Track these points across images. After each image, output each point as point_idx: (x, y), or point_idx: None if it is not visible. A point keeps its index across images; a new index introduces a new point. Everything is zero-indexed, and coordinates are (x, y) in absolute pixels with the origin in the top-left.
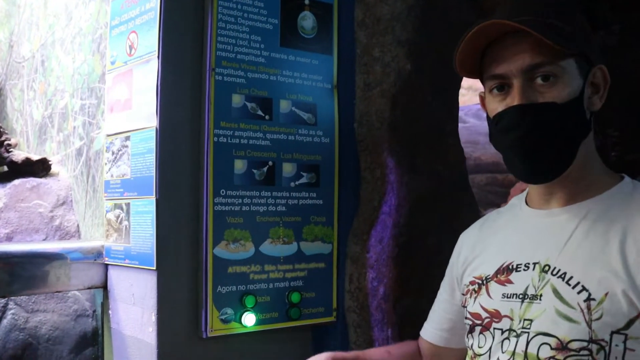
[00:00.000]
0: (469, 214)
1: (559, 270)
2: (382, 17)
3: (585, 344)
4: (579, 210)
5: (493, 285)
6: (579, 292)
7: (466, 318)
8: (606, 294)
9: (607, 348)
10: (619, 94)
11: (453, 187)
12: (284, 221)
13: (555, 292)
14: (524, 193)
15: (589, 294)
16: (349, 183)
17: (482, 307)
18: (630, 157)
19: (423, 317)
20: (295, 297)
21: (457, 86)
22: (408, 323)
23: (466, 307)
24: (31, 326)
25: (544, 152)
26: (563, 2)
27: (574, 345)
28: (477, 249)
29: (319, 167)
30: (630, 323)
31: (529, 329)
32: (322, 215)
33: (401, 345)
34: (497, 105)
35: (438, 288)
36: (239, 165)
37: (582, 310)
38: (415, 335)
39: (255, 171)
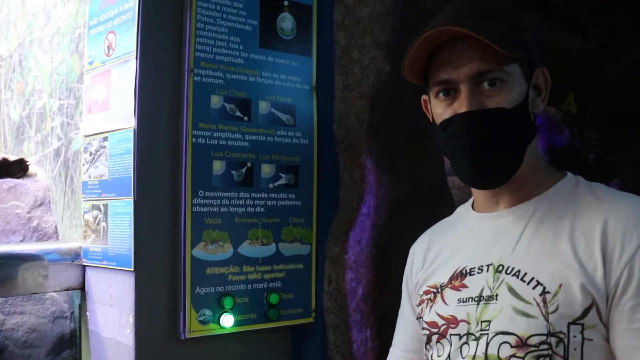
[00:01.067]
0: (448, 215)
1: (513, 269)
2: (361, 19)
3: (544, 337)
4: (526, 210)
5: (448, 291)
6: (534, 287)
7: (423, 328)
8: (560, 286)
9: (565, 340)
10: (598, 96)
11: (432, 189)
12: (263, 222)
13: (511, 290)
14: (470, 200)
15: (544, 288)
16: (327, 184)
17: (437, 314)
18: (609, 159)
19: None
20: (273, 298)
21: None
22: (386, 324)
23: (422, 317)
24: (8, 328)
25: (493, 158)
26: (507, 6)
27: (534, 340)
28: (428, 259)
29: (298, 169)
30: (585, 312)
31: (488, 330)
32: (301, 217)
33: None
34: (443, 110)
35: None
36: (218, 166)
37: (538, 305)
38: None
39: (233, 172)
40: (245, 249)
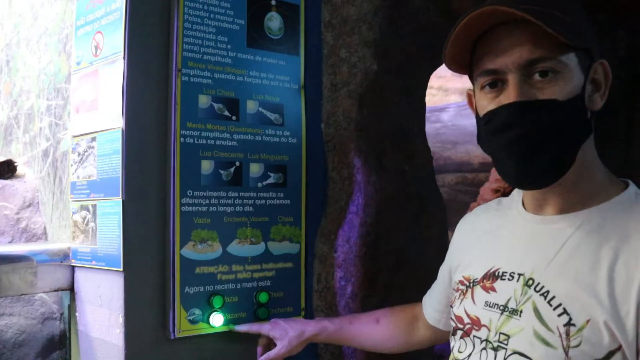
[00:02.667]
0: (436, 213)
1: (542, 287)
2: (348, 18)
3: None
4: (574, 221)
5: (478, 290)
6: (559, 315)
7: (451, 319)
8: (587, 321)
9: None
10: None
11: (420, 187)
12: (252, 221)
13: (536, 311)
14: (520, 193)
15: (570, 319)
16: (316, 183)
17: (465, 311)
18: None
19: None
20: (263, 297)
21: (424, 86)
22: None
23: (452, 307)
24: None
25: (541, 155)
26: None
27: None
28: (469, 242)
29: (287, 168)
30: (610, 355)
31: (507, 345)
32: (290, 215)
33: (392, 312)
34: (488, 103)
35: (405, 286)
36: (206, 166)
37: (560, 335)
38: None
39: (222, 172)
40: (235, 248)
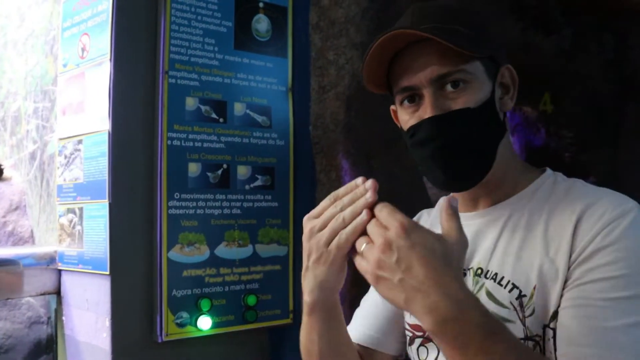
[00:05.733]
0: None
1: (491, 272)
2: (336, 20)
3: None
4: (504, 210)
5: None
6: (510, 291)
7: (406, 329)
8: (534, 288)
9: (541, 343)
10: (572, 95)
11: (409, 189)
12: (239, 224)
13: (489, 295)
14: (449, 196)
15: (520, 291)
16: (304, 185)
17: None
18: (584, 157)
19: None
20: (251, 300)
21: None
22: None
23: (404, 318)
24: None
25: (463, 160)
26: (463, 7)
27: None
28: None
29: (274, 170)
30: (555, 315)
31: None
32: (278, 218)
33: None
34: (409, 117)
35: None
36: (193, 169)
37: (515, 309)
38: None
39: (209, 174)
40: (222, 250)
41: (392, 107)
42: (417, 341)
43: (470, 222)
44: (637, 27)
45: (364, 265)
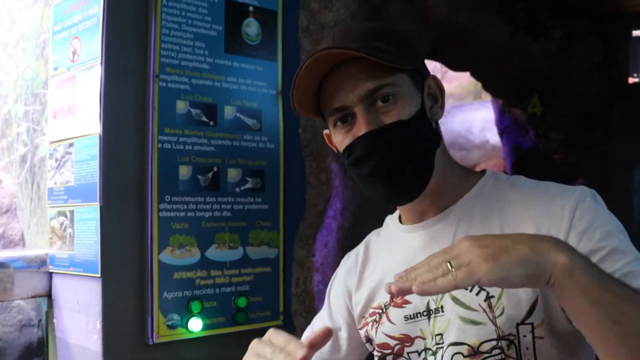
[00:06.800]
0: None
1: None
2: (325, 24)
3: (494, 342)
4: (453, 215)
5: (392, 310)
6: (477, 293)
7: (374, 350)
8: (502, 288)
9: (516, 341)
10: (561, 98)
11: None
12: (230, 226)
13: (455, 300)
14: (396, 213)
15: (487, 293)
16: (294, 188)
17: (386, 335)
18: (573, 158)
19: None
20: (242, 302)
21: None
22: None
23: (371, 340)
24: None
25: (403, 173)
26: (385, 28)
27: (485, 347)
28: (365, 281)
29: (264, 173)
30: (531, 309)
31: (442, 343)
32: (268, 220)
33: None
34: (344, 138)
35: None
36: (184, 171)
37: (484, 310)
38: None
39: (200, 177)
40: (213, 253)
41: (326, 131)
42: (389, 358)
43: (420, 232)
44: (624, 31)
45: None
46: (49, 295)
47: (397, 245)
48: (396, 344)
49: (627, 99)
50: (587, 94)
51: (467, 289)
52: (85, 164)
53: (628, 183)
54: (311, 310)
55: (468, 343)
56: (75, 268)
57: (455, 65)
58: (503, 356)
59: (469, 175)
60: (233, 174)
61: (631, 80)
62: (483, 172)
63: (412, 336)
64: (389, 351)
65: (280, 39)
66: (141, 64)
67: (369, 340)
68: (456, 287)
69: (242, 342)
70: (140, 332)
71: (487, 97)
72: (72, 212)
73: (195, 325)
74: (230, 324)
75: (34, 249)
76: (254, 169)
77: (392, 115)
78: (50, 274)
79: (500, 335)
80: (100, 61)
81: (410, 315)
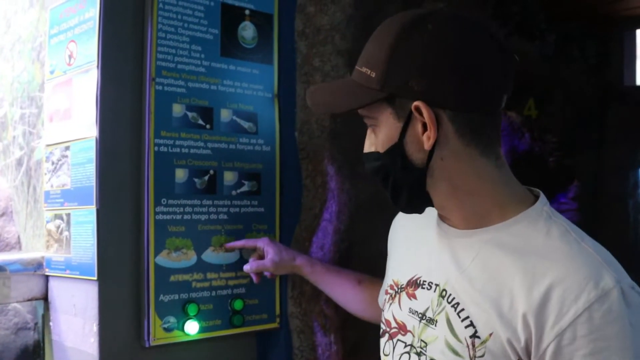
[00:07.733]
0: None
1: (454, 299)
2: (321, 28)
3: None
4: (483, 235)
5: (404, 296)
6: (466, 327)
7: (381, 322)
8: (490, 334)
9: None
10: (556, 101)
11: None
12: (226, 229)
13: (448, 323)
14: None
15: (475, 331)
16: (290, 191)
17: (393, 316)
18: (568, 161)
19: (365, 321)
20: (238, 304)
21: None
22: (350, 327)
23: (383, 310)
24: None
25: (395, 194)
26: (374, 45)
27: None
28: (398, 243)
29: (260, 175)
30: None
31: (425, 351)
32: (264, 223)
33: (372, 281)
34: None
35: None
36: (180, 174)
37: (467, 346)
38: (358, 340)
39: (196, 180)
40: (209, 255)
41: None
42: (386, 335)
43: (448, 236)
44: (619, 34)
45: None
46: (45, 298)
47: (429, 237)
48: (394, 327)
49: (622, 102)
50: (583, 96)
51: (459, 317)
52: (81, 167)
53: (623, 186)
54: (307, 313)
55: None
56: (72, 271)
57: None
58: None
59: (518, 200)
60: (229, 177)
61: (626, 83)
62: (535, 197)
63: (407, 328)
64: (388, 329)
65: (276, 43)
66: (137, 67)
67: (382, 309)
68: None
69: (239, 344)
70: (136, 334)
71: None
72: (68, 215)
73: (192, 328)
74: (227, 326)
75: (30, 252)
76: (250, 172)
77: (368, 144)
78: (47, 277)
79: None
80: (96, 64)
81: (412, 310)
